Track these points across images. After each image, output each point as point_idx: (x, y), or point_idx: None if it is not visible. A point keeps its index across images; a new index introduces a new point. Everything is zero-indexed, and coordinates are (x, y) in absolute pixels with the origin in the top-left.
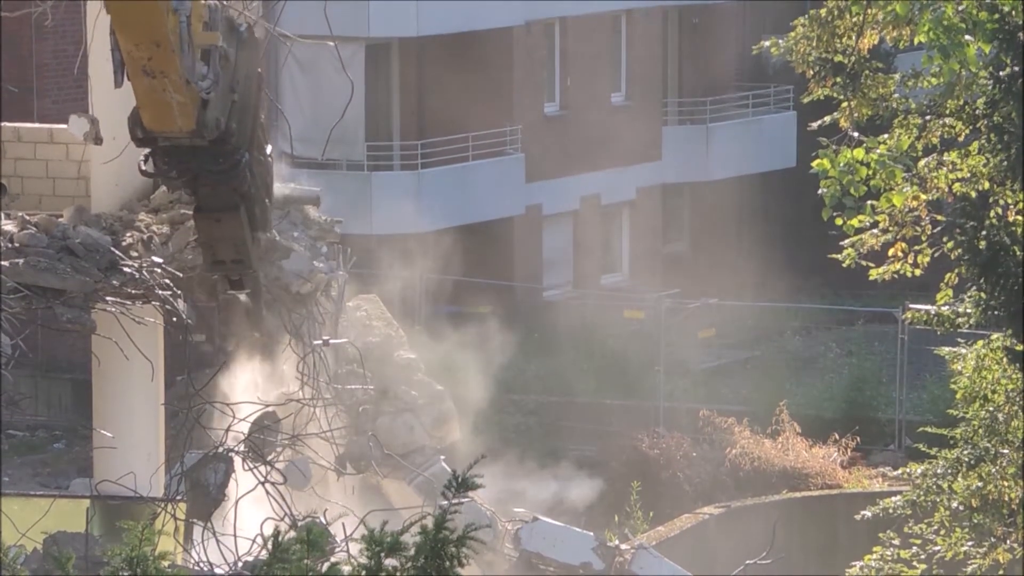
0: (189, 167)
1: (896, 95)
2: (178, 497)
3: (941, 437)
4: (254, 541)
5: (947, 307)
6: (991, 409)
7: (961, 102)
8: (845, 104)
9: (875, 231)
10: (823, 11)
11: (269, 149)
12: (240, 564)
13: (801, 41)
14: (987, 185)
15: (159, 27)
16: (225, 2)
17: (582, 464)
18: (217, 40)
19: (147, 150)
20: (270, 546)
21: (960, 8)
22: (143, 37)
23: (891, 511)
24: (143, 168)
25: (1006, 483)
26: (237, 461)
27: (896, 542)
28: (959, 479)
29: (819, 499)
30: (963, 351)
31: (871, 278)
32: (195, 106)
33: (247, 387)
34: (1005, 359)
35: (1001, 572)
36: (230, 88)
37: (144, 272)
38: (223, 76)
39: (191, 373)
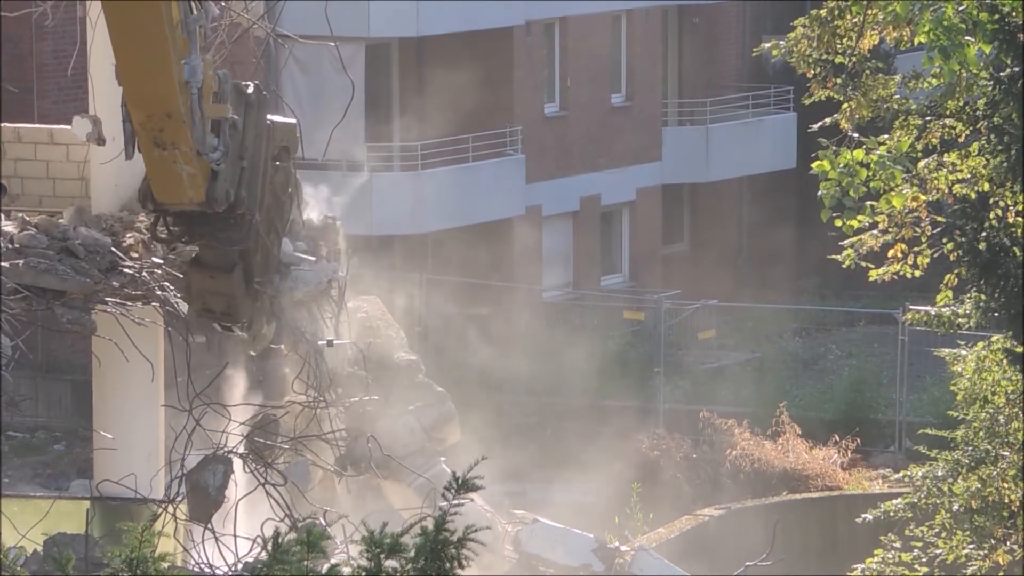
0: (201, 232)
1: (896, 96)
2: (178, 499)
3: (941, 439)
4: (254, 542)
5: (947, 308)
6: (991, 411)
7: (961, 103)
8: (846, 105)
9: (875, 232)
10: (823, 11)
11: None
12: (240, 565)
13: (802, 41)
14: (987, 186)
15: (171, 99)
16: (225, 2)
17: (582, 465)
18: (227, 112)
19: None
20: (270, 547)
21: (960, 8)
22: (155, 109)
23: (892, 514)
24: (158, 234)
25: (1006, 485)
26: (237, 463)
27: (897, 545)
28: (959, 481)
29: (819, 501)
30: (963, 353)
31: (871, 279)
32: (205, 178)
33: (249, 390)
34: (1005, 361)
35: (1001, 574)
36: (239, 155)
37: (144, 273)
38: (232, 145)
39: (191, 374)
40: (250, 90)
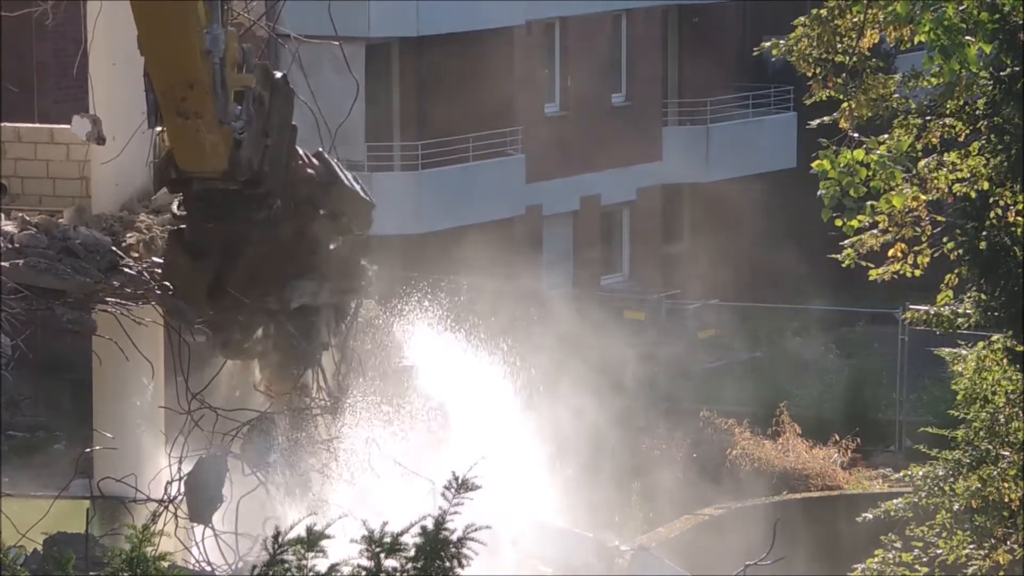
0: (221, 211)
1: (896, 95)
2: (178, 498)
3: (942, 438)
4: (256, 541)
5: (947, 308)
6: (992, 410)
7: (961, 102)
8: (846, 105)
9: (875, 231)
10: (824, 10)
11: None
12: (240, 564)
13: (802, 40)
14: (987, 186)
15: (193, 69)
16: (225, 2)
17: (582, 465)
18: (251, 82)
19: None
20: (270, 546)
21: (961, 8)
22: (177, 78)
23: (892, 513)
24: (176, 212)
25: (1007, 484)
26: (235, 462)
27: (898, 544)
28: (960, 481)
29: (819, 500)
30: (963, 352)
31: (871, 279)
32: (228, 147)
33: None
34: (1005, 360)
35: (1001, 573)
36: (263, 132)
37: (145, 273)
38: (256, 119)
39: (188, 375)
40: (279, 75)
